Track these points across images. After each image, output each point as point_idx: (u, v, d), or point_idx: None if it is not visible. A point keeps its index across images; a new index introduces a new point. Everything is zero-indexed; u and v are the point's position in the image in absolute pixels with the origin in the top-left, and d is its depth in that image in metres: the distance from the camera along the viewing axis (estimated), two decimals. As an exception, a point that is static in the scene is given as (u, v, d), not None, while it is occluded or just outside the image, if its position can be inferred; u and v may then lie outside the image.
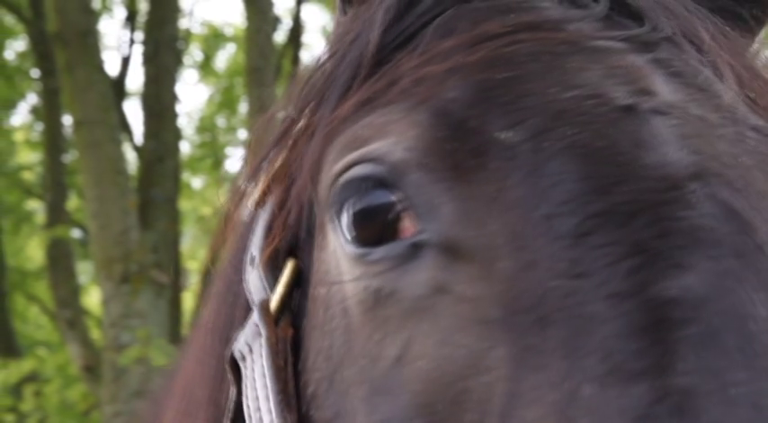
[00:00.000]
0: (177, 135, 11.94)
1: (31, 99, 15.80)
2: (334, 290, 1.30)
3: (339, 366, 1.27)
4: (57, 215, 12.17)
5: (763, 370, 1.03)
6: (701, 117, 1.23)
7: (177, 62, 13.00)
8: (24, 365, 11.32)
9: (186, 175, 15.33)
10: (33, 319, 18.05)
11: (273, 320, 1.36)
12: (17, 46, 15.69)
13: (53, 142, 12.43)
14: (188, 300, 14.67)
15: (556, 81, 1.24)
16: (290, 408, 1.29)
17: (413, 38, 1.35)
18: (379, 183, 1.22)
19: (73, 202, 14.47)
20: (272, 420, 1.29)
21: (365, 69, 1.35)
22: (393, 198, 1.20)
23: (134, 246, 9.45)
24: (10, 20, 14.79)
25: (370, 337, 1.22)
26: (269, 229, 1.45)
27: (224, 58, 17.39)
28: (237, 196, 1.58)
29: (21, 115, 16.79)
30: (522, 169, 1.16)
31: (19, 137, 16.47)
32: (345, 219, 1.24)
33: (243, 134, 15.48)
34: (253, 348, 1.36)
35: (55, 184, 12.32)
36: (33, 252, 17.03)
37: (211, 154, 16.15)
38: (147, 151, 10.90)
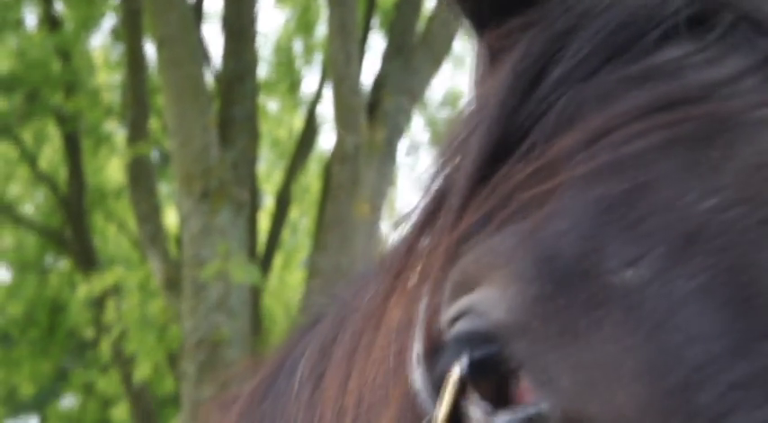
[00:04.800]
0: (255, 56, 11.97)
1: (111, 19, 15.94)
2: None
3: None
4: (138, 132, 12.34)
5: None
6: None
7: (256, -18, 12.99)
8: (107, 278, 11.59)
9: (262, 98, 15.39)
10: (112, 238, 18.42)
11: None
12: (98, -34, 15.81)
13: (134, 61, 12.55)
14: (263, 221, 14.87)
15: (692, 184, 0.98)
16: None
17: (532, 129, 1.12)
18: (488, 338, 1.04)
19: (152, 124, 14.64)
20: None
21: (478, 176, 1.14)
22: (504, 356, 1.03)
23: (214, 163, 9.56)
24: (92, -61, 14.89)
25: None
26: (428, 331, 1.23)
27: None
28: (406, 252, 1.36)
29: (101, 36, 16.91)
30: (649, 322, 0.94)
31: (98, 58, 16.65)
32: (462, 369, 1.07)
33: (319, 57, 15.46)
34: None
35: (136, 101, 12.46)
36: (112, 172, 17.33)
37: (287, 77, 16.18)
38: (228, 70, 10.96)
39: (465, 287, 1.08)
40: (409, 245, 1.33)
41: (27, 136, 16.09)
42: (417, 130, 21.91)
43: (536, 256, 1.00)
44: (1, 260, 18.63)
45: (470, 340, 1.05)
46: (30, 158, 16.29)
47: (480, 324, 1.04)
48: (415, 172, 18.81)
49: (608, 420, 0.94)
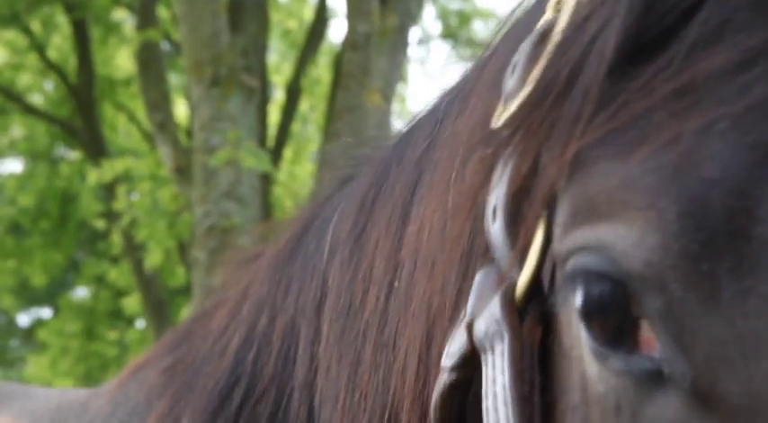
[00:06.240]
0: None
1: None
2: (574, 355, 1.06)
3: None
4: (147, 19, 12.21)
5: None
6: None
7: None
8: (117, 166, 11.61)
9: (272, -12, 15.19)
10: (122, 129, 18.41)
11: (519, 314, 1.12)
12: None
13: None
14: (273, 113, 14.82)
15: None
16: None
17: (671, 35, 0.96)
18: (614, 279, 0.96)
19: (161, 13, 14.48)
20: None
21: (603, 83, 1.00)
22: (629, 301, 0.95)
23: (224, 49, 9.47)
24: None
25: None
26: (514, 183, 1.15)
27: None
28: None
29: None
30: None
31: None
32: (576, 301, 1.00)
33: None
34: (494, 349, 1.13)
35: (145, -14, 12.32)
36: (122, 61, 17.22)
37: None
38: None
39: (590, 215, 0.97)
40: (482, 114, 1.26)
41: (35, 24, 15.95)
42: (428, 22, 21.67)
43: (682, 207, 0.89)
44: (12, 150, 18.66)
45: (591, 276, 0.97)
46: (38, 47, 16.17)
47: (609, 267, 0.94)
48: (425, 66, 18.67)
49: (741, 402, 0.86)
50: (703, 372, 0.89)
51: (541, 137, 1.09)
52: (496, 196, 1.18)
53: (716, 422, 0.89)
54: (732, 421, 0.87)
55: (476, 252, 1.26)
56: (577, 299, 0.98)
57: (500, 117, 1.18)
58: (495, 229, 1.17)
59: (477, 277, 1.19)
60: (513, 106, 1.14)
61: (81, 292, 21.06)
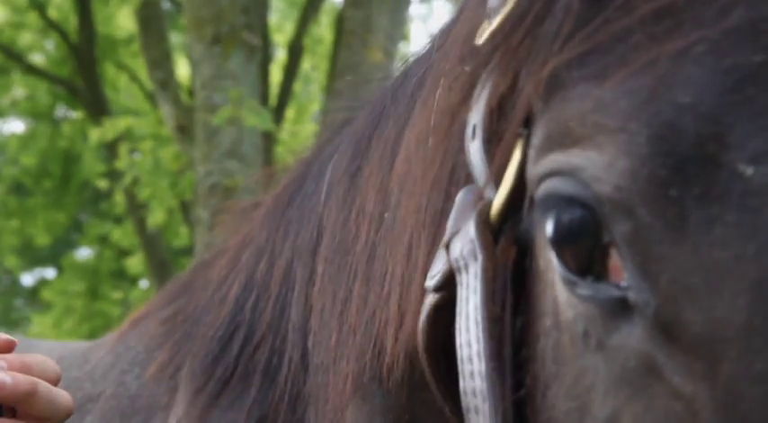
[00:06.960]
0: None
1: None
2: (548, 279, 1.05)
3: (548, 384, 1.05)
4: (148, -24, 12.13)
5: None
6: None
7: None
8: (119, 124, 11.59)
9: (274, -54, 15.06)
10: (124, 89, 18.33)
11: (493, 233, 1.10)
12: None
13: None
14: (275, 73, 14.75)
15: None
16: (503, 380, 1.07)
17: None
18: (584, 205, 0.94)
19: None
20: (484, 389, 1.07)
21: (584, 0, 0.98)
22: (598, 227, 0.94)
23: (225, 7, 9.41)
24: None
25: (578, 380, 0.99)
26: (493, 101, 1.14)
27: None
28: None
29: None
30: (766, 231, 0.83)
31: None
32: (547, 225, 0.99)
33: None
34: (468, 269, 1.12)
35: (145, -56, 12.21)
36: (123, 20, 17.12)
37: None
38: None
39: (563, 139, 0.96)
40: (468, 33, 1.25)
41: (36, -17, 15.86)
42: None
43: (653, 131, 0.87)
44: (14, 110, 18.61)
45: (562, 201, 0.96)
46: (39, 6, 16.07)
47: (578, 191, 0.93)
48: (427, 24, 18.55)
49: (703, 331, 0.85)
50: (667, 300, 0.88)
51: (521, 54, 1.08)
52: (476, 114, 1.17)
53: (678, 352, 0.88)
54: (694, 351, 0.87)
55: (458, 172, 1.25)
56: (548, 223, 0.97)
57: (483, 34, 1.17)
58: (474, 147, 1.17)
59: (458, 196, 1.18)
60: (495, 22, 1.13)
61: (84, 252, 21.09)
